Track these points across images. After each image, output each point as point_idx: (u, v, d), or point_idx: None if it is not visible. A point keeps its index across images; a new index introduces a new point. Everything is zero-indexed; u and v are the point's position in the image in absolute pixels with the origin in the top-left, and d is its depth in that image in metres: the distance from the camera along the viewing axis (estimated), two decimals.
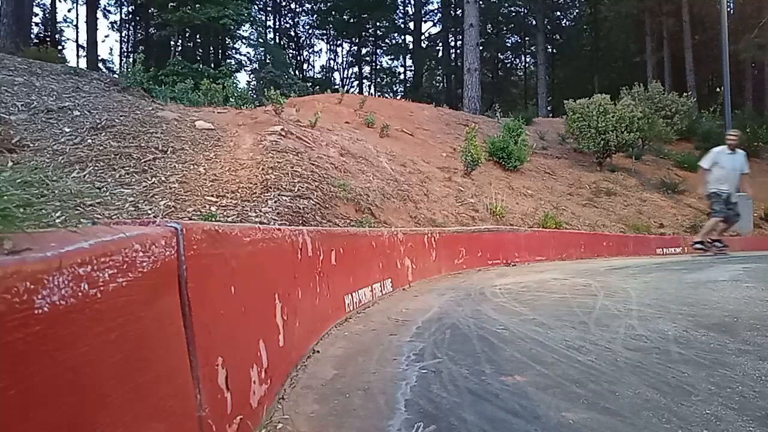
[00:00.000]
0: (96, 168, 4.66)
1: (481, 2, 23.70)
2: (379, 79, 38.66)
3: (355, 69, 37.65)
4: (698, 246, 6.96)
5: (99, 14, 25.33)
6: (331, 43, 36.65)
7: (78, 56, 28.56)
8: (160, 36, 19.53)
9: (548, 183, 11.78)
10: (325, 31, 35.67)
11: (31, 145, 4.85)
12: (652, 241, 10.10)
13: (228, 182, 4.98)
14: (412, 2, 35.70)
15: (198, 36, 22.04)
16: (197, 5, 16.61)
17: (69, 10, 29.45)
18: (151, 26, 21.02)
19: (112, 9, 28.13)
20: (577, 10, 34.99)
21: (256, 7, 28.66)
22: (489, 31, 33.06)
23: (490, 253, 6.43)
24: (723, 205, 6.62)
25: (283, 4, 34.46)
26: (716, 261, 6.21)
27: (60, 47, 25.14)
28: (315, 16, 34.78)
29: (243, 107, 9.60)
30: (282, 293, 1.76)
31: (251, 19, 22.84)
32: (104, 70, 24.87)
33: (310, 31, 36.14)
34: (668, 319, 2.73)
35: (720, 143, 7.12)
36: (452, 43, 35.88)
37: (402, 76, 38.47)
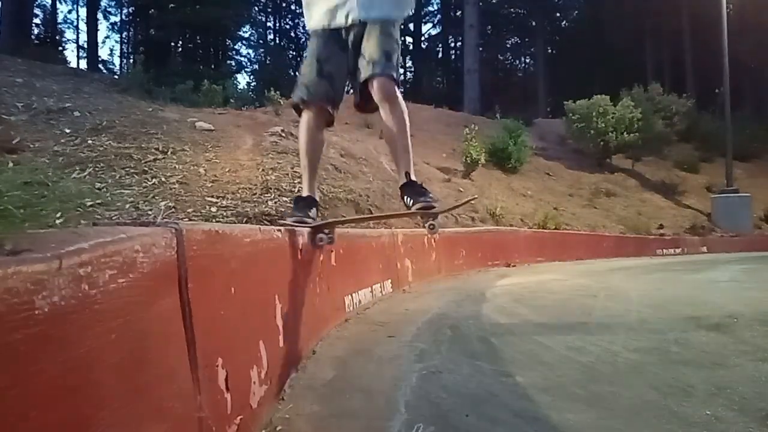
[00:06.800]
0: (96, 169, 4.65)
1: (481, 3, 23.69)
2: None
3: None
4: None
5: (99, 15, 25.30)
6: None
7: (78, 57, 28.50)
8: (161, 37, 19.53)
9: (548, 184, 11.79)
10: None
11: (32, 145, 4.85)
12: (651, 242, 10.10)
13: (228, 183, 4.97)
14: None
15: (198, 37, 22.02)
16: (197, 6, 16.61)
17: (69, 11, 29.33)
18: (152, 27, 21.02)
19: (112, 10, 28.08)
20: (576, 11, 34.96)
21: (256, 8, 28.68)
22: (489, 32, 32.99)
23: (490, 254, 6.42)
24: None
25: (284, 5, 34.46)
26: (716, 261, 6.10)
27: (60, 48, 25.08)
28: None
29: (243, 108, 9.60)
30: (282, 294, 1.76)
31: (251, 20, 22.86)
32: (105, 71, 24.80)
33: None
34: (668, 319, 2.74)
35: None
36: (452, 44, 35.88)
37: (402, 77, 38.43)
